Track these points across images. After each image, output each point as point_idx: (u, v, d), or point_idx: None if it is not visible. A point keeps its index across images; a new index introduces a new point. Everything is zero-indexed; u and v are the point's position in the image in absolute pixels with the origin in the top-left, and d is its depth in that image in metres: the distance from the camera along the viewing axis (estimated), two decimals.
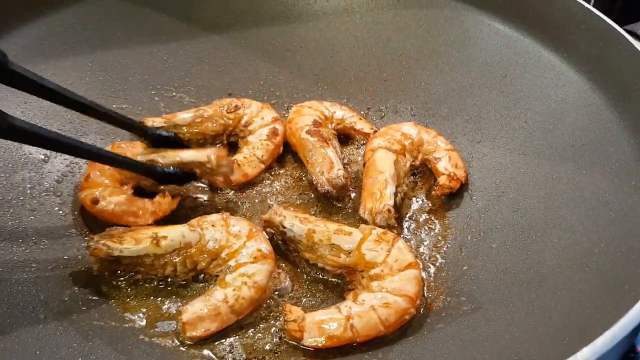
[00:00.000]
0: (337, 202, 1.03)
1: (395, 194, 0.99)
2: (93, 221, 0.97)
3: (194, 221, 0.90)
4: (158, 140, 1.01)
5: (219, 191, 1.04)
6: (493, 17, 1.13)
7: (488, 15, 1.13)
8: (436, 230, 0.99)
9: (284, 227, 0.92)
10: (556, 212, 0.89)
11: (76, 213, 0.97)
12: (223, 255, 0.87)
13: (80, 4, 1.13)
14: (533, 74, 1.05)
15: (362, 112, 1.20)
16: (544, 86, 1.03)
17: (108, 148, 0.98)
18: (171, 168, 0.97)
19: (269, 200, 1.03)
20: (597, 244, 0.79)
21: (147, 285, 0.88)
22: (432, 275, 0.92)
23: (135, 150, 0.97)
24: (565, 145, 0.95)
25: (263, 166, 1.07)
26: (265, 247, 0.88)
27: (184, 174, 0.98)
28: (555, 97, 1.01)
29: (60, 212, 0.96)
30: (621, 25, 0.96)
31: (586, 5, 0.96)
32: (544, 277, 0.82)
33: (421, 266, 0.92)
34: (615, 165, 0.86)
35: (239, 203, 1.02)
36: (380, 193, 0.98)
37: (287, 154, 1.13)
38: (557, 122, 0.99)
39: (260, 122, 1.11)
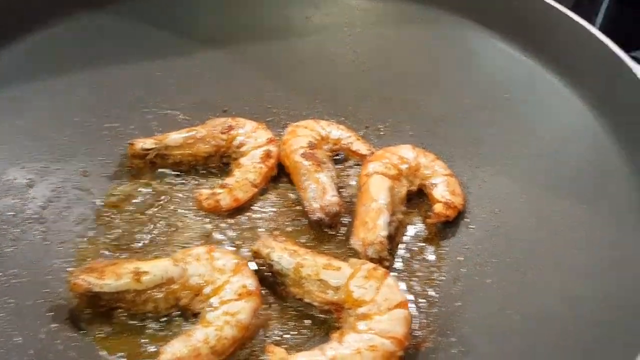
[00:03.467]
0: (329, 229, 1.00)
1: (390, 223, 0.96)
2: (78, 250, 0.95)
3: (178, 254, 0.88)
4: None
5: (208, 218, 1.01)
6: (498, 36, 1.09)
7: (493, 34, 1.09)
8: (431, 261, 0.96)
9: (272, 260, 0.89)
10: (554, 249, 0.85)
11: (60, 242, 0.94)
12: (206, 291, 0.84)
13: (69, 20, 1.11)
14: (537, 97, 1.01)
15: (360, 131, 1.17)
16: (547, 111, 0.99)
17: None
18: None
19: (259, 228, 1.00)
20: (593, 291, 0.76)
21: (128, 321, 0.85)
22: (424, 310, 0.89)
23: None
24: (568, 177, 0.92)
25: (255, 190, 1.04)
26: (251, 282, 0.85)
27: None
28: (559, 123, 0.97)
29: (44, 241, 0.93)
30: (628, 50, 0.91)
31: (592, 30, 0.92)
32: (537, 322, 0.78)
33: (413, 300, 0.89)
34: (618, 201, 0.83)
35: (229, 231, 0.98)
36: (373, 222, 0.94)
37: (281, 175, 1.09)
38: (561, 150, 0.95)
39: (253, 143, 1.08)
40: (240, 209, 1.03)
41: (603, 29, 0.94)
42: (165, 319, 0.86)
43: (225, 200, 1.01)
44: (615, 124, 0.89)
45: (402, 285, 0.91)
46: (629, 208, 0.80)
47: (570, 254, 0.83)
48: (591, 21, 1.01)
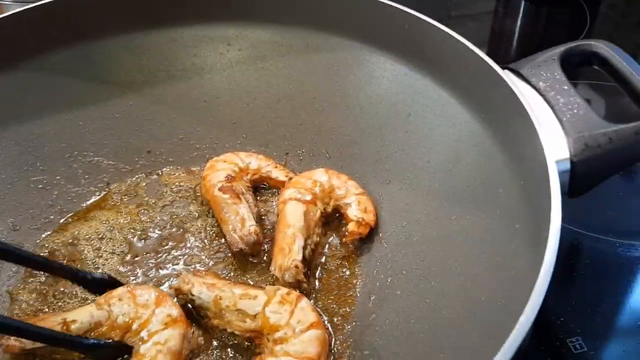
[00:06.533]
0: (252, 258, 1.05)
1: (305, 247, 1.01)
2: (12, 304, 0.98)
3: (100, 299, 0.92)
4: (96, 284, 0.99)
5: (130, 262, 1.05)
6: (395, 59, 1.15)
7: (390, 56, 1.15)
8: (346, 278, 1.01)
9: (193, 295, 0.93)
10: (452, 256, 0.91)
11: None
12: (134, 327, 0.89)
13: None
14: (433, 113, 1.07)
15: (282, 159, 1.22)
16: (443, 125, 1.05)
17: None
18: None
19: (182, 263, 1.04)
20: (483, 292, 0.82)
21: None
22: (340, 327, 0.94)
23: None
24: (463, 185, 0.97)
25: None
26: (175, 311, 0.91)
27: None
28: (453, 136, 1.03)
29: None
30: (505, 63, 0.98)
31: (471, 46, 0.98)
32: (437, 327, 0.84)
33: (328, 319, 0.95)
34: (504, 207, 0.88)
35: (152, 271, 1.03)
36: (288, 248, 1.00)
37: (207, 209, 1.14)
38: (456, 161, 1.01)
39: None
40: (164, 244, 1.07)
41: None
42: None
43: None
44: (499, 133, 0.94)
45: (320, 305, 0.97)
46: (511, 213, 0.86)
47: (467, 261, 0.89)
48: None
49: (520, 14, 1.94)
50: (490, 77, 0.95)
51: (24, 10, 1.17)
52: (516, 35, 1.87)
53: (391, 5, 1.12)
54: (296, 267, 0.97)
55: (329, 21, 1.23)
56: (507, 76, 0.93)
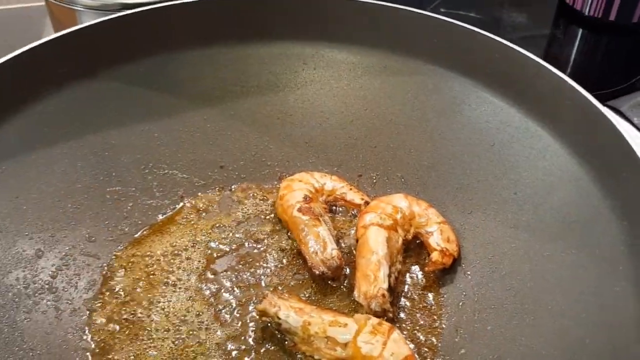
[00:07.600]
0: (332, 282, 1.04)
1: (389, 275, 1.00)
2: (90, 317, 0.97)
3: None
4: None
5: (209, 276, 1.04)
6: (479, 86, 1.14)
7: (474, 83, 1.14)
8: (432, 309, 1.00)
9: (279, 319, 0.92)
10: (547, 294, 0.90)
11: (72, 310, 0.97)
12: None
13: (64, 89, 1.13)
14: (521, 144, 1.06)
15: (354, 180, 1.21)
16: (531, 157, 1.04)
17: None
18: None
19: (262, 283, 1.03)
20: (587, 335, 0.80)
21: None
22: None
23: None
24: (555, 221, 0.96)
25: None
26: None
27: None
28: (543, 169, 1.01)
29: (57, 310, 0.96)
30: (603, 101, 0.96)
31: (568, 80, 0.97)
32: None
33: (416, 350, 0.93)
34: (604, 247, 0.87)
35: (232, 288, 1.02)
36: (374, 275, 0.98)
37: (281, 229, 1.13)
38: (547, 195, 0.99)
39: None
40: (242, 263, 1.06)
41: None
42: None
43: None
44: (598, 170, 0.93)
45: (405, 335, 0.95)
46: (613, 254, 0.84)
47: (565, 300, 0.87)
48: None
49: (577, 41, 1.92)
50: (590, 114, 0.94)
51: (105, 20, 1.17)
52: (571, 62, 1.85)
53: (480, 33, 1.12)
54: (383, 295, 0.95)
55: (409, 44, 1.22)
56: (609, 114, 0.91)
